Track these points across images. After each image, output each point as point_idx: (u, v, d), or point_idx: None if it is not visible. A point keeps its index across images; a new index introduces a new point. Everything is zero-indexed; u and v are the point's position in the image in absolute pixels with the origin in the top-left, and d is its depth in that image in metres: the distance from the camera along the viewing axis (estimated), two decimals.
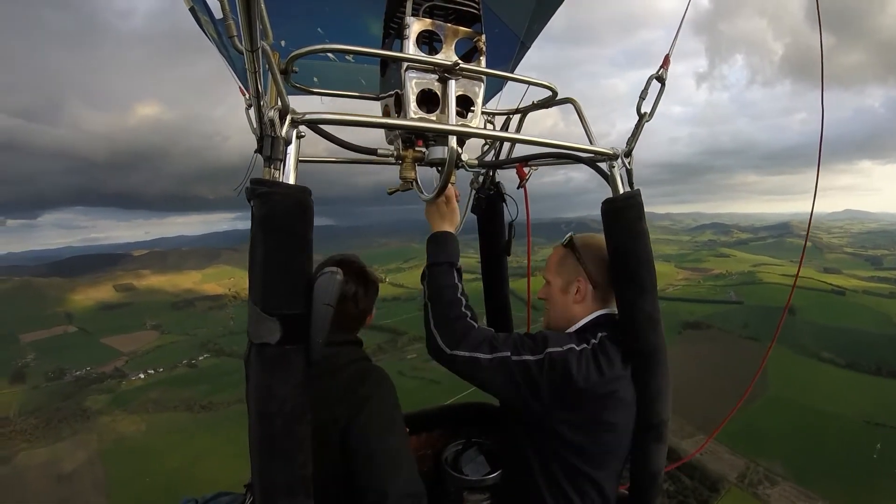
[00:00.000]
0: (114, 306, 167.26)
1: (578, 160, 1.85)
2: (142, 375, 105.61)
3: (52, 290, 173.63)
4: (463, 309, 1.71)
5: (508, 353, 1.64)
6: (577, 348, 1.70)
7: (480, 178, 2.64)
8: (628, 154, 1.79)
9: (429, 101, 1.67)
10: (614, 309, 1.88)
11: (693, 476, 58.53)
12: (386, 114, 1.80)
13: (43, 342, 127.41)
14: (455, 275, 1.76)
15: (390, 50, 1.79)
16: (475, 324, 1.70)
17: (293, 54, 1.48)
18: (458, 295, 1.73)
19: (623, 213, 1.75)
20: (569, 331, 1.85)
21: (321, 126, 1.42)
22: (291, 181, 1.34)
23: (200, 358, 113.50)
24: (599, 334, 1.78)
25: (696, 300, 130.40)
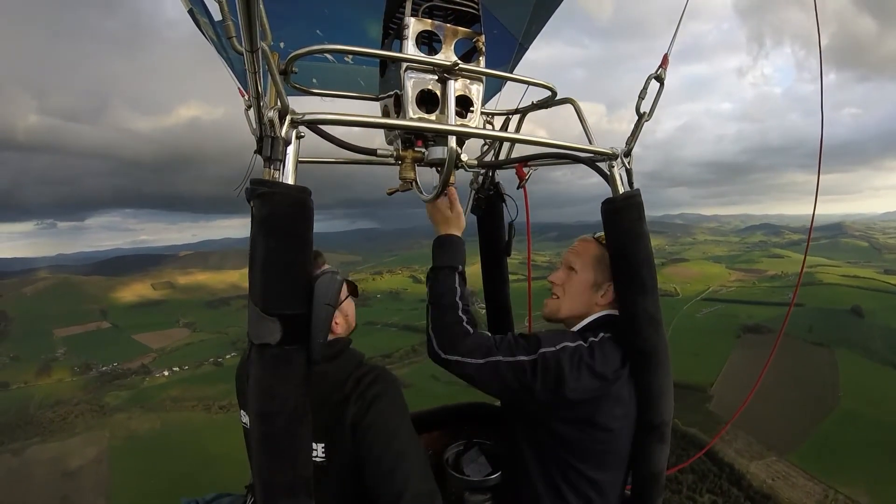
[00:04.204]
0: (150, 304, 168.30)
1: (578, 160, 1.86)
2: (166, 373, 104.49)
3: (90, 287, 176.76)
4: (459, 313, 1.72)
5: (500, 357, 1.66)
6: (572, 345, 1.72)
7: (480, 179, 2.61)
8: (628, 154, 1.79)
9: (428, 101, 1.70)
10: (616, 311, 1.91)
11: None
12: (385, 114, 1.82)
13: (75, 337, 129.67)
14: (456, 278, 1.78)
15: (389, 50, 1.80)
16: (471, 329, 1.71)
17: (292, 55, 1.51)
18: (457, 299, 1.74)
19: (623, 213, 1.76)
20: (573, 329, 1.89)
21: (320, 126, 1.45)
22: (291, 181, 1.35)
23: (227, 356, 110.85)
24: (601, 334, 1.80)
25: (753, 302, 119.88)
